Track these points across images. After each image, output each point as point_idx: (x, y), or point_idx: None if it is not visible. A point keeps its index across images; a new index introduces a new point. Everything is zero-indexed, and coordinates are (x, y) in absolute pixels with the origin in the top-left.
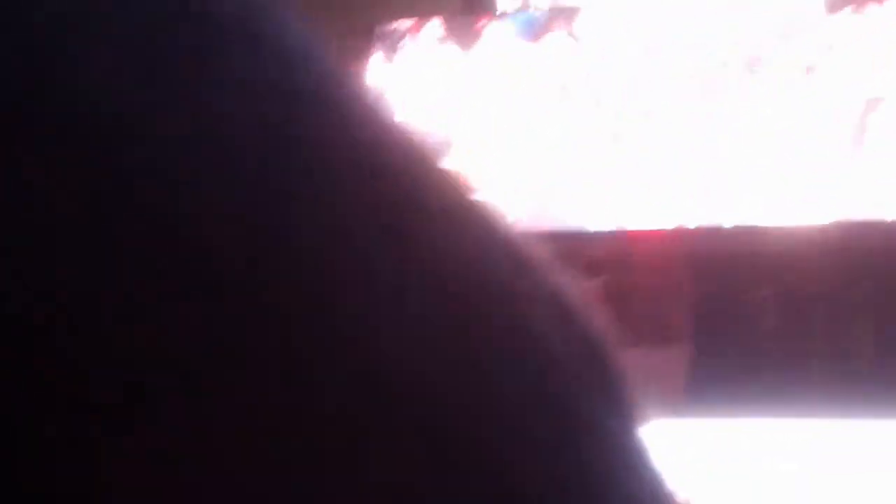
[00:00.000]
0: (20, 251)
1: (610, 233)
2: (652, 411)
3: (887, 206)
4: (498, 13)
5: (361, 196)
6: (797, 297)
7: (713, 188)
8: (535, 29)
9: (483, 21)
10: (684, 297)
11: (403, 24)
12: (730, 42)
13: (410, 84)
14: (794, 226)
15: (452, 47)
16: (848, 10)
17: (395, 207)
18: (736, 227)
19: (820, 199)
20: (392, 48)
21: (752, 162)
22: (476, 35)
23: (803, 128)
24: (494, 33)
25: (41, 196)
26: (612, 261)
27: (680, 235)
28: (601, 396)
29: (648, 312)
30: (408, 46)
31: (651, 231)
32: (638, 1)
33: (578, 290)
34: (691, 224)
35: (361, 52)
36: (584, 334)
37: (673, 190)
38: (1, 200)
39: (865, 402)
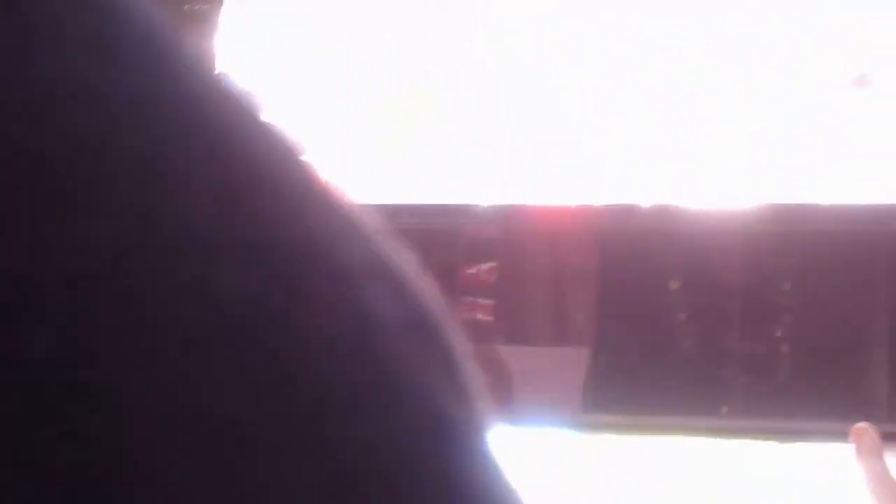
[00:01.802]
0: None
1: (504, 208)
2: (548, 416)
3: (813, 188)
4: None
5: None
6: (712, 287)
7: (624, 164)
8: None
9: None
10: (588, 285)
11: None
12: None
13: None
14: (712, 207)
15: None
16: None
17: (229, 172)
18: (649, 206)
19: (743, 180)
20: None
21: (670, 138)
22: None
23: (723, 102)
24: None
25: None
26: (507, 241)
27: (584, 213)
28: (440, 377)
29: (546, 301)
30: None
31: (551, 207)
32: None
33: (419, 270)
34: (598, 201)
35: None
36: (424, 314)
37: (576, 164)
38: None
39: (783, 406)
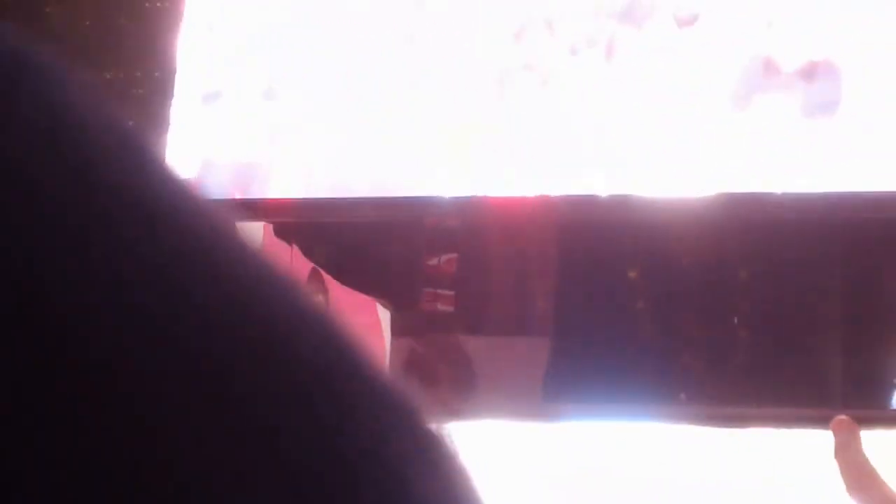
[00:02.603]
0: None
1: (464, 200)
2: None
3: (773, 179)
4: None
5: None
6: (670, 276)
7: (582, 154)
8: None
9: None
10: (547, 276)
11: None
12: None
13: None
14: (671, 197)
15: None
16: None
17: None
18: (608, 197)
19: (701, 170)
20: None
21: (629, 126)
22: None
23: (684, 91)
24: None
25: None
26: (467, 232)
27: (544, 204)
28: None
29: (506, 292)
30: None
31: (510, 198)
32: None
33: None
34: (557, 192)
35: None
36: (352, 358)
37: (535, 155)
38: None
39: (741, 397)
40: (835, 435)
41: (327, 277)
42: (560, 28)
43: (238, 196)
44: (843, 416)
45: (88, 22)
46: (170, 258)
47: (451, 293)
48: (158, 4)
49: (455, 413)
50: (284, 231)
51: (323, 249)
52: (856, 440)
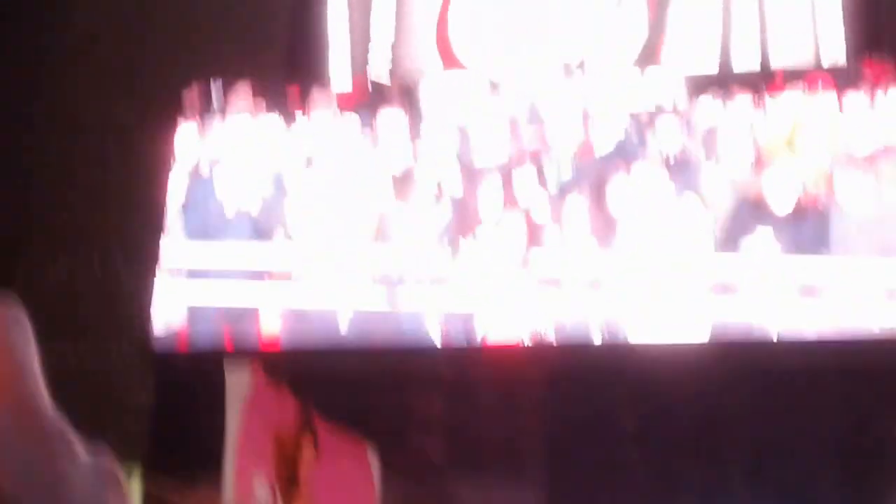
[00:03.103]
0: None
1: (459, 348)
2: None
3: (766, 323)
4: (326, 80)
5: None
6: (665, 425)
7: (577, 301)
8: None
9: (313, 89)
10: (541, 424)
11: (219, 84)
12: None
13: (226, 153)
14: (665, 343)
15: (272, 117)
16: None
17: None
18: (603, 344)
19: (693, 316)
20: (205, 111)
21: (622, 270)
22: (299, 105)
23: (674, 236)
24: (322, 107)
25: None
26: (461, 380)
27: (539, 352)
28: None
29: (499, 442)
30: (222, 110)
31: (504, 346)
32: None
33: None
34: (552, 339)
35: (172, 115)
36: None
37: (532, 301)
38: None
39: None
40: None
41: (317, 419)
42: (549, 169)
43: (229, 341)
44: None
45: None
46: None
47: (443, 440)
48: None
49: None
50: (275, 370)
51: (313, 392)
52: None
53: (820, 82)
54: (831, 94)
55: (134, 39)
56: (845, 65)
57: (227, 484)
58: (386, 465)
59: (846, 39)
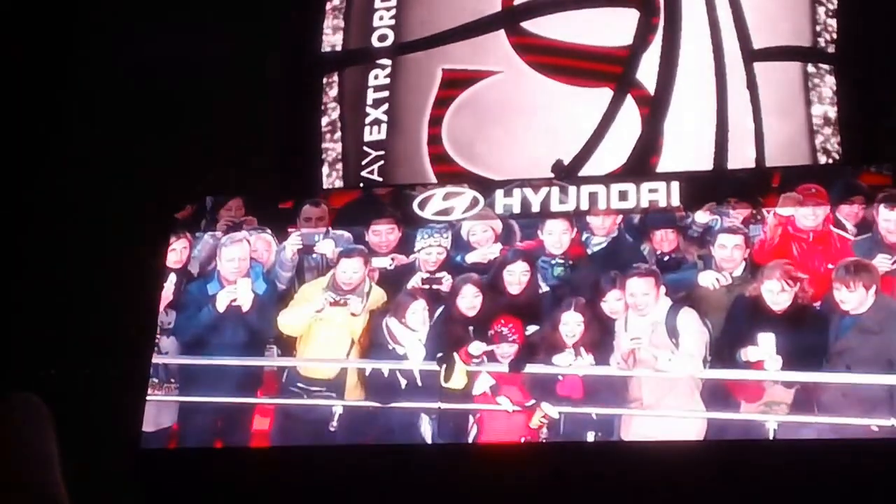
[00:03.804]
0: None
1: (453, 445)
2: None
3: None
4: (321, 195)
5: None
6: None
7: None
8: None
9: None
10: None
11: (213, 201)
12: None
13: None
14: (662, 441)
15: (264, 234)
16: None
17: None
18: (594, 442)
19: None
20: (198, 225)
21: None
22: (292, 221)
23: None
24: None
25: None
26: (452, 477)
27: (533, 451)
28: None
29: None
30: (216, 225)
31: (496, 445)
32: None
33: None
34: (547, 439)
35: (164, 233)
36: None
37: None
38: None
39: None
40: None
41: None
42: (542, 269)
43: (219, 444)
44: None
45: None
46: None
47: None
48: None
49: None
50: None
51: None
52: None
53: (814, 191)
54: (825, 207)
55: (132, 152)
56: (841, 172)
57: None
58: None
59: (842, 151)
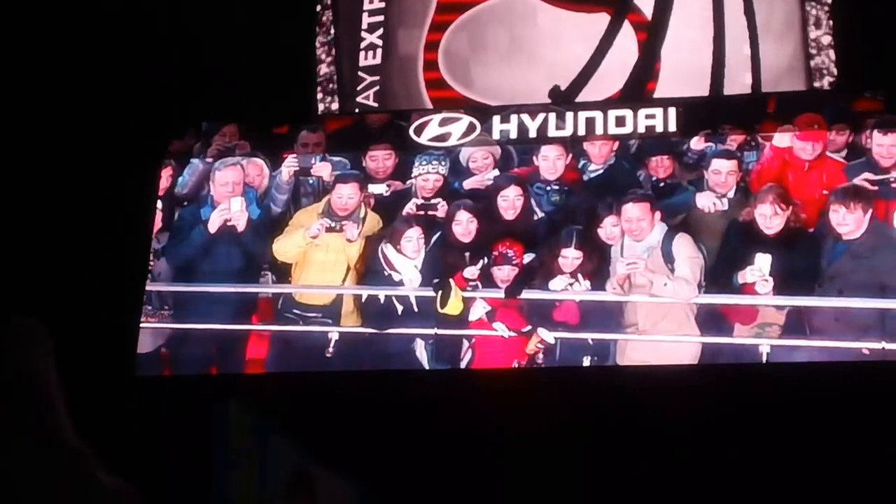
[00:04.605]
0: None
1: (450, 370)
2: None
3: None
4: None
5: None
6: (659, 444)
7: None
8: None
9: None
10: (529, 446)
11: (208, 126)
12: None
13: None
14: (658, 365)
15: (256, 159)
16: None
17: None
18: (591, 366)
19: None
20: (191, 152)
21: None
22: (286, 146)
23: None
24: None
25: None
26: (448, 402)
27: (529, 376)
28: None
29: (489, 467)
30: (209, 150)
31: (495, 370)
32: None
33: None
34: (543, 364)
35: (156, 162)
36: None
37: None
38: None
39: None
40: None
41: (316, 477)
42: (537, 195)
43: (214, 370)
44: None
45: None
46: None
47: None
48: None
49: None
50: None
51: (301, 428)
52: None
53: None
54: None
55: (126, 80)
56: (836, 97)
57: None
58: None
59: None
